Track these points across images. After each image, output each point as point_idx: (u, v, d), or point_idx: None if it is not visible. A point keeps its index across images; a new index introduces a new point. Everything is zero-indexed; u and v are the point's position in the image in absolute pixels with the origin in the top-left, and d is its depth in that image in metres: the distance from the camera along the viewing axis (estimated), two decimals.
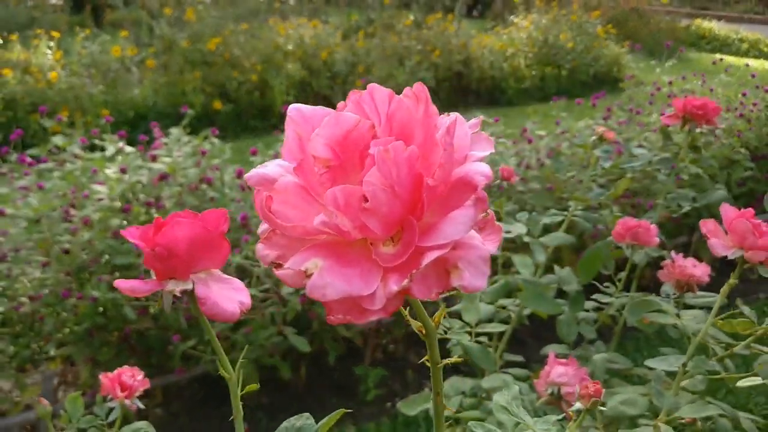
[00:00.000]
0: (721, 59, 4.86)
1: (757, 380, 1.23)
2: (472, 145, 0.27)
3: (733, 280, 0.82)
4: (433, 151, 0.26)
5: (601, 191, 1.20)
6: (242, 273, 2.01)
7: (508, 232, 1.11)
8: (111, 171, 2.18)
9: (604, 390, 0.94)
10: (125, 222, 2.05)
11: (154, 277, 0.45)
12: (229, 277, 0.46)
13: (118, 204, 2.04)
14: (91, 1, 9.23)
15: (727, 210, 0.80)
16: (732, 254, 0.79)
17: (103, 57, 5.22)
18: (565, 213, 1.22)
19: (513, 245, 1.96)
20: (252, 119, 5.22)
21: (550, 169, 2.46)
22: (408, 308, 0.35)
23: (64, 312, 1.93)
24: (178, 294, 0.44)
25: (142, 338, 2.00)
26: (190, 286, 0.44)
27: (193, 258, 0.44)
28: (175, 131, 2.44)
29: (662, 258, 1.17)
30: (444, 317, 1.15)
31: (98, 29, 6.77)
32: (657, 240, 1.11)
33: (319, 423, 0.46)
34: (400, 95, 0.27)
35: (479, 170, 0.26)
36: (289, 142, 0.28)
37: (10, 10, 7.66)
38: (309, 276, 0.25)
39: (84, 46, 5.30)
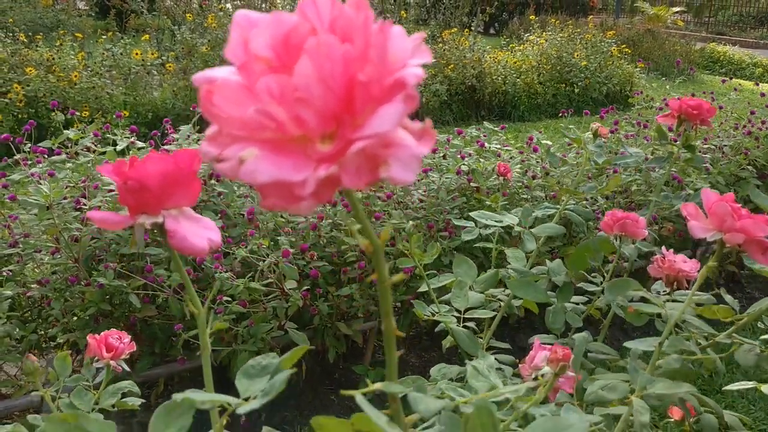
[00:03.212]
0: (731, 78, 4.88)
1: (747, 384, 1.24)
2: (412, 55, 0.30)
3: (712, 263, 0.83)
4: (369, 55, 0.28)
5: (592, 185, 1.22)
6: (247, 268, 2.05)
7: (499, 222, 1.14)
8: None
9: (586, 377, 0.96)
10: None
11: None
12: (200, 216, 0.49)
13: None
14: (116, 6, 9.38)
15: (708, 194, 0.82)
16: (711, 236, 0.80)
17: (125, 59, 5.31)
18: (557, 207, 1.25)
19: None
20: None
21: (553, 179, 2.49)
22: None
23: (71, 298, 1.97)
24: (148, 227, 0.47)
25: (146, 327, 2.03)
26: (160, 220, 0.46)
27: (165, 193, 0.46)
28: (185, 128, 2.49)
29: (652, 254, 1.19)
30: (433, 302, 1.18)
31: (122, 34, 6.88)
32: (645, 232, 1.12)
33: (282, 357, 0.49)
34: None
35: (411, 71, 0.28)
36: (233, 44, 0.30)
37: (37, 13, 7.80)
38: (243, 163, 0.27)
39: (106, 48, 5.40)
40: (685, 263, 1.13)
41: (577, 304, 1.23)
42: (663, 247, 1.17)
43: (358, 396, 0.36)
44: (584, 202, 2.30)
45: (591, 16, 12.22)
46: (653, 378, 0.79)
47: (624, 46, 7.70)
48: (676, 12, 14.26)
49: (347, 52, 0.27)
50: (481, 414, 0.41)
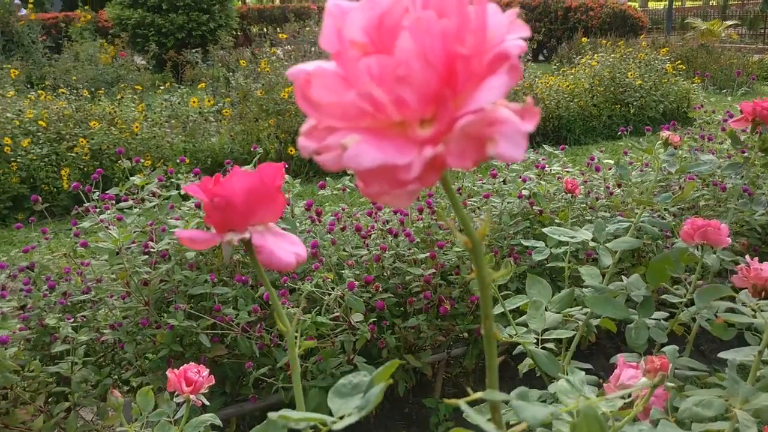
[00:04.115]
0: None
1: None
2: (509, 30, 0.29)
3: None
4: (468, 29, 0.27)
5: (667, 195, 1.17)
6: (313, 303, 2.05)
7: (573, 237, 1.11)
8: (186, 207, 2.27)
9: (675, 395, 0.91)
10: (200, 255, 2.13)
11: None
12: (285, 231, 0.48)
13: None
14: (172, 59, 9.75)
15: None
16: None
17: (183, 108, 5.49)
18: (631, 220, 1.20)
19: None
20: None
21: (617, 198, 2.43)
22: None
23: (142, 341, 2.00)
24: (236, 243, 0.46)
25: (216, 366, 2.05)
26: (247, 236, 0.46)
27: (250, 209, 0.46)
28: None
29: (736, 264, 1.14)
30: (510, 324, 1.14)
31: (178, 84, 7.12)
32: (728, 240, 1.07)
33: (374, 372, 0.47)
34: None
35: (513, 43, 0.27)
36: (326, 33, 0.29)
37: (99, 70, 8.15)
38: (345, 150, 0.26)
39: (165, 99, 5.59)
40: None
41: (659, 319, 1.18)
42: (747, 256, 1.11)
43: (463, 404, 0.35)
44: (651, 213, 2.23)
45: (642, 35, 12.07)
46: (755, 390, 0.74)
47: (678, 62, 7.56)
48: (730, 25, 13.96)
49: (446, 27, 0.26)
50: (588, 421, 0.38)
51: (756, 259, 1.11)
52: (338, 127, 0.28)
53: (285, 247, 0.46)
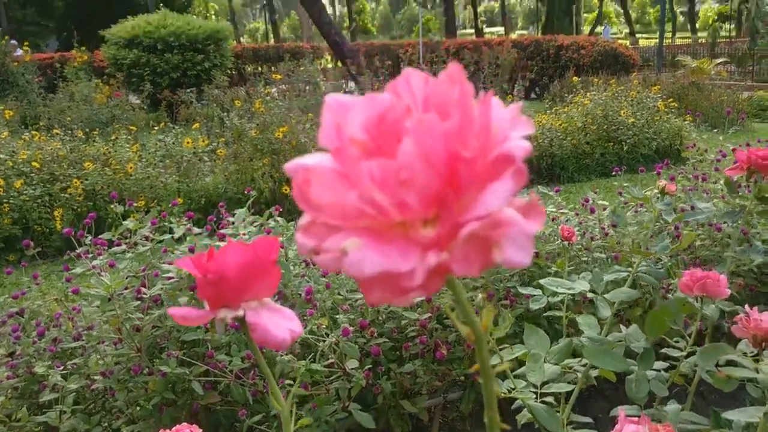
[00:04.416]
0: None
1: None
2: (512, 127, 0.28)
3: None
4: (471, 130, 0.26)
5: (665, 244, 1.17)
6: (307, 348, 2.02)
7: (570, 288, 1.10)
8: (180, 251, 2.26)
9: None
10: (194, 300, 2.10)
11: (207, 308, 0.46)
12: (279, 306, 0.47)
13: (186, 282, 2.10)
14: (167, 99, 9.80)
15: None
16: None
17: (177, 148, 5.49)
18: (629, 270, 1.19)
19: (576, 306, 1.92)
20: None
21: (612, 239, 2.43)
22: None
23: (134, 388, 1.97)
24: (229, 321, 0.45)
25: (209, 414, 2.01)
26: (241, 314, 0.45)
27: (245, 284, 0.45)
28: (240, 211, 2.52)
29: (736, 313, 1.13)
30: (508, 377, 1.13)
31: (173, 124, 7.15)
32: (727, 292, 1.07)
33: None
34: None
35: (517, 144, 0.26)
36: (326, 129, 0.29)
37: (93, 110, 8.18)
38: (346, 254, 0.25)
39: (159, 139, 5.60)
40: None
41: (659, 370, 1.16)
42: (746, 306, 1.10)
43: None
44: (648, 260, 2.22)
45: (633, 73, 12.22)
46: None
47: (670, 99, 7.64)
48: (719, 63, 14.18)
49: (449, 129, 0.26)
50: None
51: (755, 309, 1.10)
52: (337, 225, 0.27)
53: (280, 324, 0.44)
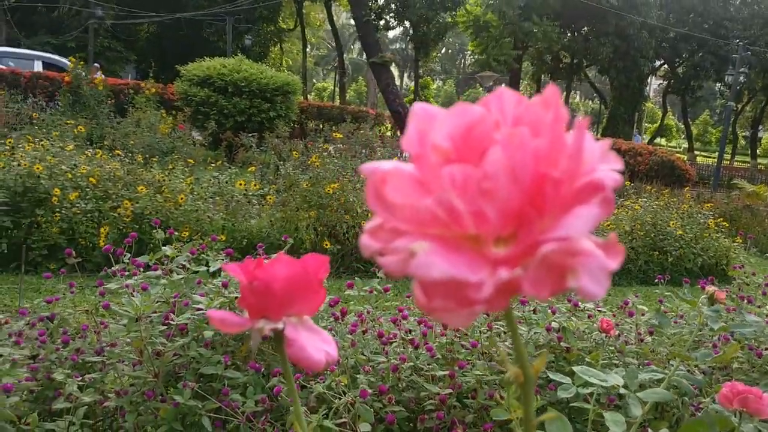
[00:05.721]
0: None
1: None
2: (602, 159, 0.27)
3: None
4: (561, 152, 0.26)
5: (707, 352, 1.12)
6: (322, 403, 1.99)
7: (604, 381, 1.06)
8: (212, 284, 2.27)
9: None
10: (218, 335, 2.10)
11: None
12: (319, 327, 0.46)
13: None
14: (228, 140, 10.07)
15: None
16: None
17: (229, 187, 5.60)
18: (666, 372, 1.15)
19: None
20: (356, 261, 5.37)
21: (647, 346, 2.36)
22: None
23: (144, 413, 1.95)
24: (267, 332, 0.44)
25: None
26: (280, 326, 0.44)
27: (288, 298, 0.44)
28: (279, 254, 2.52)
29: None
30: None
31: (229, 164, 7.31)
32: None
33: None
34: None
35: (609, 174, 0.26)
36: (409, 135, 0.29)
37: (156, 138, 8.44)
38: (414, 255, 0.25)
39: (213, 176, 5.72)
40: None
41: None
42: None
43: None
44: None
45: (687, 187, 12.13)
46: None
47: (721, 219, 7.53)
48: None
49: (540, 146, 0.25)
50: None
51: None
52: (406, 230, 0.26)
53: (317, 345, 0.43)
